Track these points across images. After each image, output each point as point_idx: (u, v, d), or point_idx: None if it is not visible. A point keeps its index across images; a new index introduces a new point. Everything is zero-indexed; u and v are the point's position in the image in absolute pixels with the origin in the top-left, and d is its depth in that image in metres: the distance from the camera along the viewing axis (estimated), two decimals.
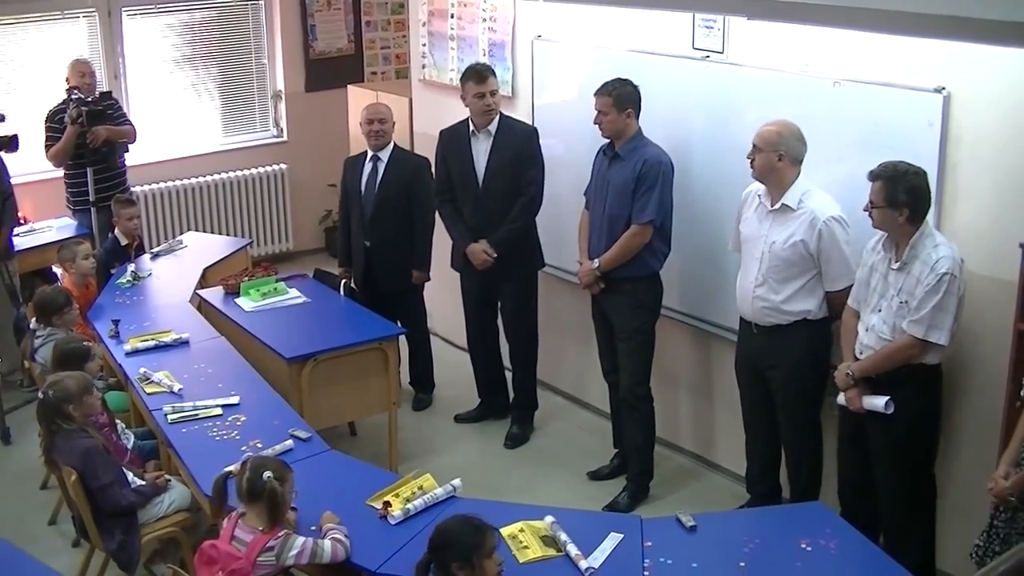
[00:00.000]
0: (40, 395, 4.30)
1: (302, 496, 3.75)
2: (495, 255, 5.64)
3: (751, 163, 4.47)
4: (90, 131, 6.66)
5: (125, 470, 4.38)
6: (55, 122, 6.81)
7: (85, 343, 4.90)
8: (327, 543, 3.55)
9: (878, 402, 4.09)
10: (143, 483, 4.39)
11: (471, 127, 5.66)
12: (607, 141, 5.09)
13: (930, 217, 4.04)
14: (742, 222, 4.67)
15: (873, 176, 4.00)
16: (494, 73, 5.67)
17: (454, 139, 5.76)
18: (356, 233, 6.12)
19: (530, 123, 5.89)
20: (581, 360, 6.14)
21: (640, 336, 5.14)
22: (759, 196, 4.58)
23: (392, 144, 6.04)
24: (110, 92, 7.19)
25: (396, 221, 5.99)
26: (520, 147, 5.57)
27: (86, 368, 4.64)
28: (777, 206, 4.46)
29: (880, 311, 4.11)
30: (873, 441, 4.21)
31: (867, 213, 4.05)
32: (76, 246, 6.09)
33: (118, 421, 4.87)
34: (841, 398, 4.26)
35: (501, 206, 5.61)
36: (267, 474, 3.51)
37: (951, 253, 3.94)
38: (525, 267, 5.79)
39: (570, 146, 5.82)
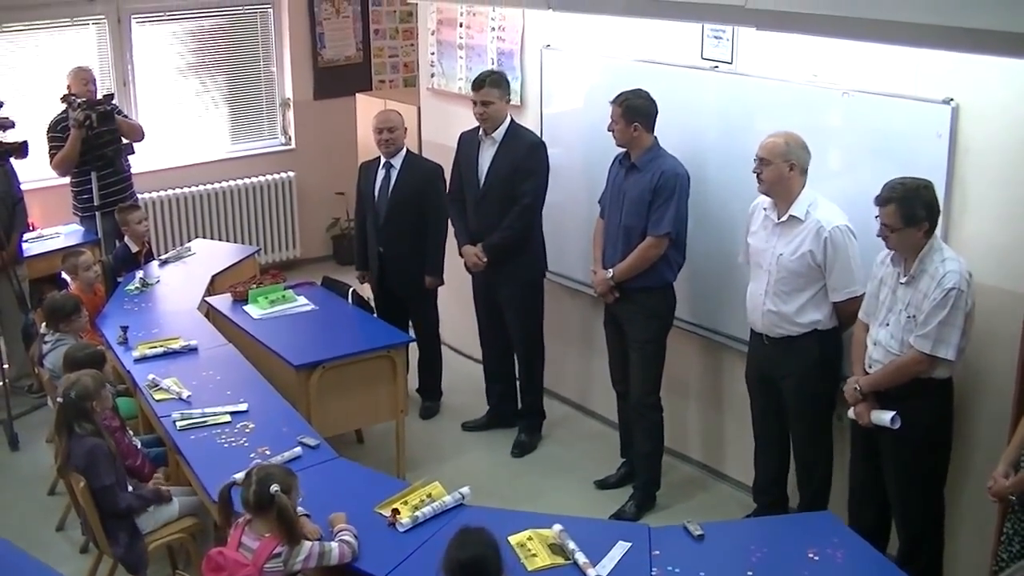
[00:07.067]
0: (60, 399, 4.28)
1: (311, 504, 3.76)
2: (486, 260, 5.66)
3: (758, 176, 4.46)
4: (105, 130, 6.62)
5: (127, 479, 4.38)
6: (58, 131, 6.76)
7: (98, 348, 4.91)
8: (334, 546, 3.56)
9: (885, 417, 4.08)
10: (146, 489, 4.40)
11: (481, 132, 5.69)
12: (623, 151, 5.08)
13: (938, 230, 4.03)
14: (750, 235, 4.67)
15: (883, 201, 3.94)
16: (499, 84, 5.59)
17: (467, 142, 5.80)
18: (371, 239, 6.15)
19: (538, 132, 5.89)
20: (586, 368, 6.14)
21: (652, 346, 5.15)
22: (764, 209, 4.58)
23: (405, 150, 6.06)
24: (112, 95, 7.17)
25: (408, 227, 6.01)
26: (521, 158, 5.56)
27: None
28: (785, 218, 4.45)
29: (888, 325, 4.09)
30: (885, 455, 4.20)
31: (883, 239, 4.00)
32: (77, 257, 6.10)
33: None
34: (852, 412, 4.26)
35: (497, 212, 5.62)
36: (274, 488, 3.49)
37: (958, 268, 3.91)
38: (525, 273, 5.77)
39: (578, 155, 5.83)
